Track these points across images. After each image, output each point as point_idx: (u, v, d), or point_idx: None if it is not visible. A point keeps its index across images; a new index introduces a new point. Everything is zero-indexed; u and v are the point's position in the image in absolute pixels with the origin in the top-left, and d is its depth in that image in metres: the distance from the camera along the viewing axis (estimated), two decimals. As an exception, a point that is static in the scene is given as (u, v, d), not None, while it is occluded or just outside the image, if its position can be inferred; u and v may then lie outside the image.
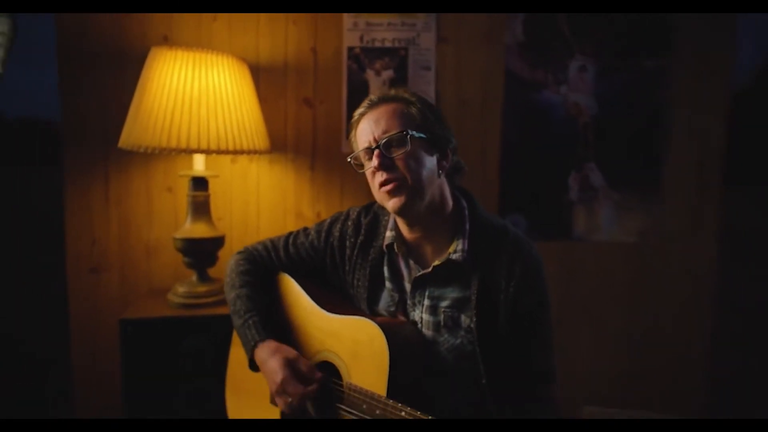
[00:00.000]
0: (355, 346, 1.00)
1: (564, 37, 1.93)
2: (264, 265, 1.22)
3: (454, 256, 1.02)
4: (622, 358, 2.06)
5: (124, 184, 1.91)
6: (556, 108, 1.96)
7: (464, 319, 1.03)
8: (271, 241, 1.24)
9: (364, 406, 0.94)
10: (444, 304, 1.04)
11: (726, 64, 1.95)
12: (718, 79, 1.95)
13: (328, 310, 1.08)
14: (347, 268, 1.15)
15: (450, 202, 1.07)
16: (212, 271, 1.69)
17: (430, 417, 0.85)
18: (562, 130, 1.97)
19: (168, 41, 1.85)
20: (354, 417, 0.96)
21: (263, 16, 1.87)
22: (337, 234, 1.17)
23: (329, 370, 1.03)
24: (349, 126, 1.08)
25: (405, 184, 0.97)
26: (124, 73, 1.84)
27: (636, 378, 2.07)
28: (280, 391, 0.99)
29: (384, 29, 1.89)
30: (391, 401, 0.90)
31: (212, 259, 1.63)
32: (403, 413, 0.88)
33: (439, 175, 1.03)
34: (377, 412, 0.92)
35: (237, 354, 1.24)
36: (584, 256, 2.04)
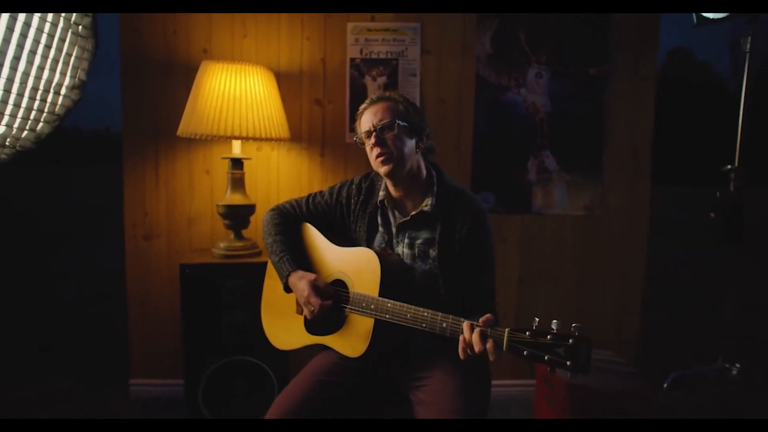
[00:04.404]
0: (357, 266, 1.46)
1: (523, 49, 2.41)
2: (291, 218, 1.67)
3: (425, 209, 1.47)
4: (573, 309, 2.53)
5: (171, 168, 2.38)
6: (517, 106, 2.43)
7: (431, 252, 1.47)
8: (296, 200, 1.69)
9: (363, 304, 1.41)
10: (418, 242, 1.49)
11: (651, 73, 2.42)
12: (645, 84, 2.42)
13: (339, 245, 1.55)
14: (352, 218, 1.61)
15: (424, 172, 1.53)
16: (245, 232, 2.17)
17: (405, 304, 1.31)
18: (523, 124, 2.44)
19: (207, 53, 2.32)
20: (357, 312, 1.42)
21: (283, 33, 2.35)
22: (344, 194, 1.62)
23: (340, 284, 1.50)
24: (355, 117, 1.53)
25: (393, 156, 1.43)
26: (172, 79, 2.32)
27: (584, 325, 2.54)
28: (306, 302, 1.44)
29: (379, 44, 2.36)
30: (380, 298, 1.37)
31: (246, 222, 2.11)
32: (389, 304, 1.35)
33: (416, 152, 1.49)
34: (372, 306, 1.38)
35: (269, 284, 1.70)
36: (541, 226, 2.51)
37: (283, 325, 1.62)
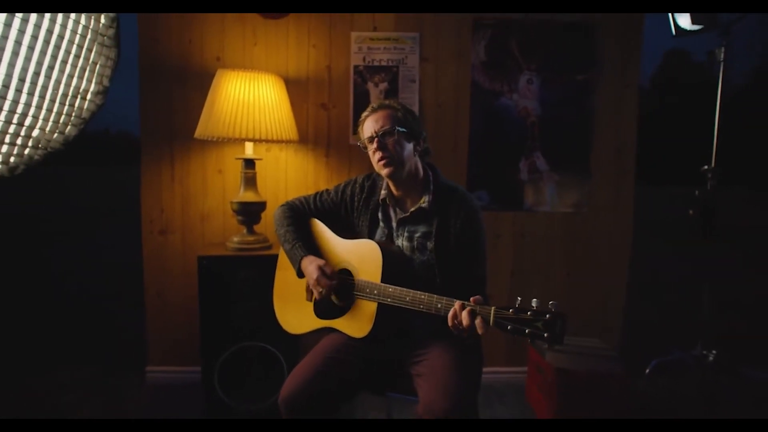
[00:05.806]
0: (361, 256, 1.62)
1: (515, 57, 2.57)
2: (300, 213, 1.82)
3: (423, 205, 1.63)
4: (562, 300, 2.65)
5: (186, 168, 2.54)
6: (510, 110, 2.60)
7: (429, 245, 1.63)
8: (304, 197, 1.86)
9: (367, 290, 1.57)
10: (417, 235, 1.65)
11: (635, 79, 2.59)
12: (629, 90, 2.59)
13: (344, 238, 1.71)
14: (355, 214, 1.77)
15: (421, 172, 1.69)
16: (257, 227, 2.33)
17: (404, 289, 1.47)
18: (515, 127, 2.61)
19: (220, 61, 2.48)
20: (361, 297, 1.58)
21: (291, 41, 2.51)
22: (348, 193, 1.79)
23: (346, 273, 1.66)
24: (357, 123, 1.69)
25: (393, 159, 1.59)
26: (187, 84, 2.48)
27: (573, 315, 2.70)
28: (315, 284, 1.60)
29: (381, 52, 2.52)
30: (383, 284, 1.53)
31: (257, 218, 2.27)
32: (390, 289, 1.51)
33: (414, 155, 1.65)
34: (375, 291, 1.55)
35: (280, 275, 1.85)
36: (533, 223, 2.67)
37: (294, 311, 1.77)
